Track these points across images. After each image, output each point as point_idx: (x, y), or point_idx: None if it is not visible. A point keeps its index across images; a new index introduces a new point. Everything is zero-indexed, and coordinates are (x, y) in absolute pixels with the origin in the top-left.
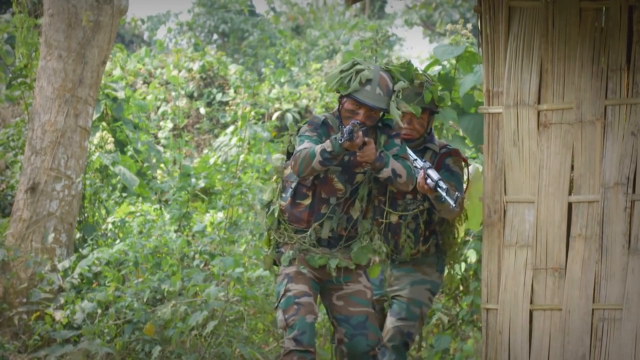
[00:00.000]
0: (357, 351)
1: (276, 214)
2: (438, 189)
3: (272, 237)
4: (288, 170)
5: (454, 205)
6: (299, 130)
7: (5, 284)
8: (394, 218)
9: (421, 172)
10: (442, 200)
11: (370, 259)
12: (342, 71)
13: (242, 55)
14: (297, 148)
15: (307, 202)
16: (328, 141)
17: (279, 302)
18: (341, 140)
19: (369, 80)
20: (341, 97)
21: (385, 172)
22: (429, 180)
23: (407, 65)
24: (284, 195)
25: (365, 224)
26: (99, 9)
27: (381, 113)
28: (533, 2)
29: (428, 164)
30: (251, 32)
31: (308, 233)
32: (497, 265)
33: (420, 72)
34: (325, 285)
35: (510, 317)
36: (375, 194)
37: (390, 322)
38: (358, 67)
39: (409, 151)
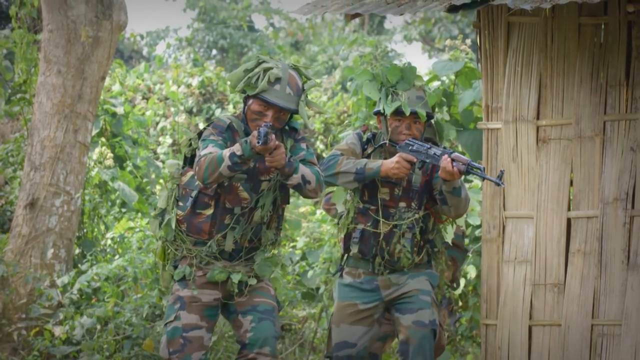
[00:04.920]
0: (264, 334)
1: (173, 225)
2: (473, 170)
3: (168, 250)
4: (186, 177)
5: (500, 182)
6: (200, 134)
7: (5, 300)
8: (385, 227)
9: (445, 158)
10: (458, 194)
11: (274, 271)
12: (247, 70)
13: None
14: (201, 152)
15: (209, 212)
16: (237, 144)
17: (166, 326)
18: (258, 142)
19: (278, 79)
20: (247, 98)
21: (295, 179)
22: (456, 164)
23: (409, 67)
24: (181, 204)
25: (269, 234)
26: (98, 25)
27: (289, 114)
28: (532, 17)
29: (450, 149)
30: (250, 47)
31: (208, 245)
32: (496, 280)
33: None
34: (227, 297)
35: (510, 333)
36: (280, 203)
37: (406, 320)
38: (265, 65)
39: (418, 142)
